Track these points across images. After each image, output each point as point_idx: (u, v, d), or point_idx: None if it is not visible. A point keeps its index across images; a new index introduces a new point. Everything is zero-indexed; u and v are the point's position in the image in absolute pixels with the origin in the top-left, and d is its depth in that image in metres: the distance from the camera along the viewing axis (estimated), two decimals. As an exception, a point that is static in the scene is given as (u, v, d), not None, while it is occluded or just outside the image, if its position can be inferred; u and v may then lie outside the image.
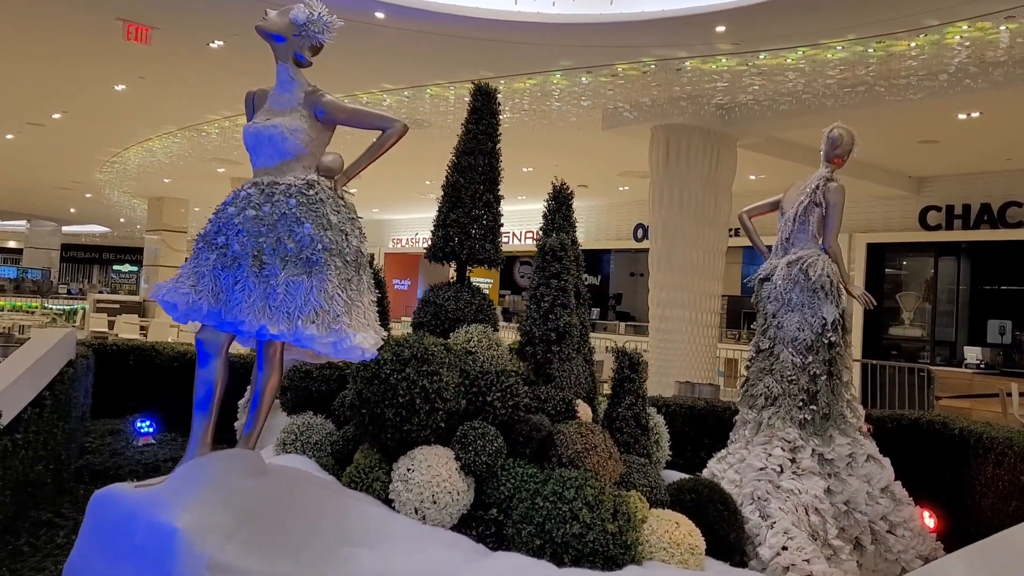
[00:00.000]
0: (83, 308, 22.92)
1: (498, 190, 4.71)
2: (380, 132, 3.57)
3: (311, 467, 4.03)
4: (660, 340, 10.75)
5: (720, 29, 7.77)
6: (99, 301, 23.74)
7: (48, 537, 4.78)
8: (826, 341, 4.77)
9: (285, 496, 3.34)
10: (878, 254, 16.42)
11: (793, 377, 4.76)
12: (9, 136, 16.78)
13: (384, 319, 4.93)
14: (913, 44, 8.16)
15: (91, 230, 37.90)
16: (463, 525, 3.79)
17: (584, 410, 4.34)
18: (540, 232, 4.92)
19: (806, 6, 7.22)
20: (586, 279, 18.15)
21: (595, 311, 21.04)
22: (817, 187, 4.93)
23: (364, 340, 3.27)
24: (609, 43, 8.59)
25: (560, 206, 4.93)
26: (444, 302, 4.54)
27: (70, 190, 24.34)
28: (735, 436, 5.00)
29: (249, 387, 4.33)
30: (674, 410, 6.51)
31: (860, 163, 13.61)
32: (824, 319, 4.77)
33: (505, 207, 19.38)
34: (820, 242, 4.94)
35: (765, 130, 11.03)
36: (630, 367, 4.43)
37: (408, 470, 3.75)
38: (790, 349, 4.82)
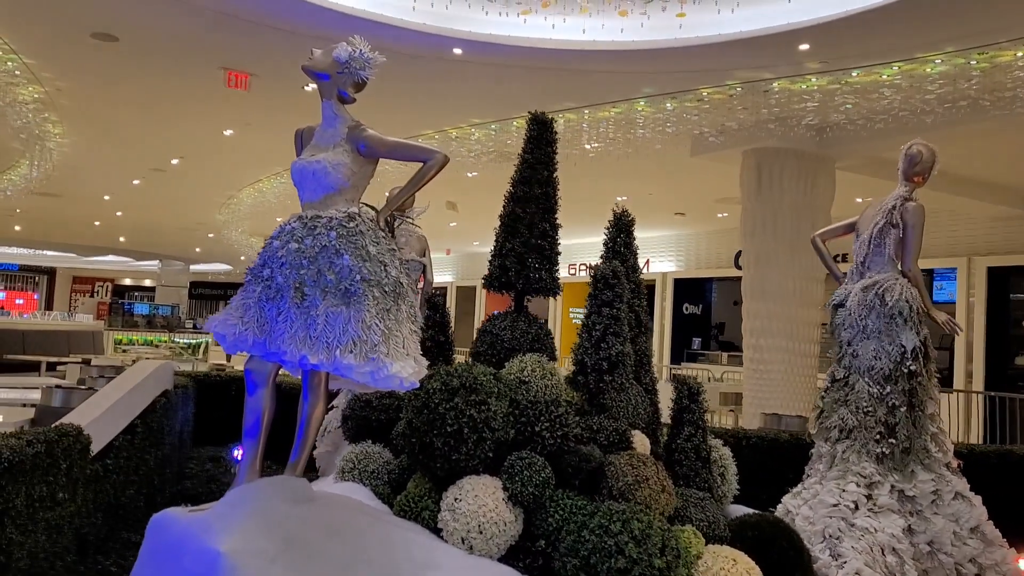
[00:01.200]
0: (206, 342, 24.11)
1: (555, 219, 4.70)
2: (421, 164, 3.63)
3: (365, 495, 4.08)
4: (754, 371, 10.41)
5: (804, 47, 7.55)
6: (211, 334, 24.88)
7: (136, 558, 5.01)
8: (906, 370, 4.51)
9: (330, 523, 3.39)
10: (1001, 278, 15.45)
11: (870, 408, 4.52)
12: (136, 182, 17.93)
13: (447, 351, 4.98)
14: (1020, 54, 7.71)
15: (216, 268, 39.94)
16: (511, 556, 3.75)
17: (641, 441, 4.24)
18: (601, 260, 4.86)
19: (891, 20, 6.94)
20: (687, 308, 17.76)
21: (696, 341, 20.60)
22: (894, 207, 4.71)
23: (402, 369, 3.30)
24: (689, 67, 8.49)
25: (619, 232, 4.88)
26: (500, 332, 4.55)
27: (194, 231, 25.74)
28: (810, 470, 4.78)
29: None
30: (755, 443, 6.30)
31: (976, 182, 12.91)
32: (903, 347, 4.52)
33: (596, 237, 19.20)
34: (899, 266, 4.69)
35: (864, 151, 10.60)
36: (689, 397, 4.30)
37: (456, 500, 3.75)
38: (866, 379, 4.58)
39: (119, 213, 23.57)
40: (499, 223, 4.72)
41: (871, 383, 4.54)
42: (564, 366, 17.07)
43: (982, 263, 15.20)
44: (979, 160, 11.66)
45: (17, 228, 28.35)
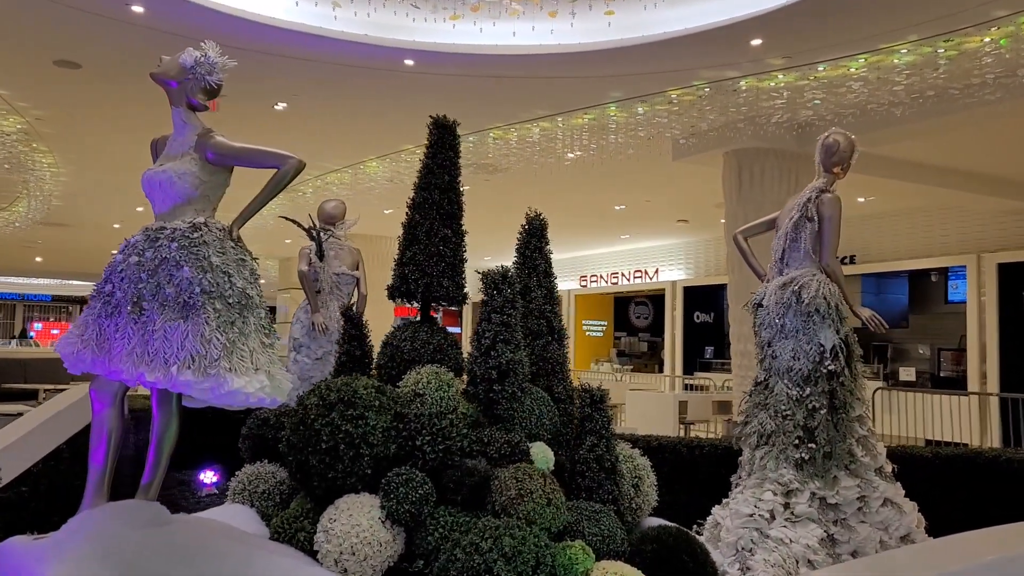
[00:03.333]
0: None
1: (458, 225, 4.54)
2: (275, 170, 3.50)
3: (250, 517, 3.94)
4: (743, 378, 10.11)
5: (756, 42, 7.34)
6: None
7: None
8: (825, 371, 4.26)
9: (180, 548, 3.24)
10: (1013, 275, 14.93)
11: (788, 412, 4.28)
12: (140, 209, 18.07)
13: (365, 365, 4.81)
14: (987, 39, 7.42)
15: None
16: (389, 578, 3.58)
17: (542, 453, 4.05)
18: (514, 266, 4.69)
19: (844, 8, 6.71)
20: (698, 317, 17.47)
21: (709, 350, 20.23)
22: (809, 199, 4.48)
23: (247, 384, 3.16)
24: (649, 68, 8.30)
25: (532, 237, 4.70)
26: (400, 343, 4.39)
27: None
28: (736, 479, 4.54)
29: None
30: (708, 451, 6.07)
31: (980, 176, 12.51)
32: (822, 346, 4.28)
33: (610, 247, 19.37)
34: (818, 261, 4.46)
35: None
36: (591, 404, 4.10)
37: (331, 520, 3.59)
38: (785, 380, 4.35)
39: (133, 241, 23.82)
40: (401, 231, 4.57)
41: (790, 385, 4.30)
42: (577, 381, 16.77)
43: (992, 260, 14.71)
44: (982, 153, 11.30)
45: (38, 259, 28.84)
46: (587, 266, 23.28)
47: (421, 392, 4.11)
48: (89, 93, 9.52)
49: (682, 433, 11.23)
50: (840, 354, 4.28)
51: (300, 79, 8.98)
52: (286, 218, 5.76)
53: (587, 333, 24.52)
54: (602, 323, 24.97)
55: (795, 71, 8.34)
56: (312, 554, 3.62)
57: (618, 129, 10.03)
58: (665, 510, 5.21)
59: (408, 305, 4.57)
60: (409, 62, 7.95)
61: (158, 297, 3.17)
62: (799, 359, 4.30)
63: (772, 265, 4.63)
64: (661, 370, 20.96)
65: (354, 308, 5.41)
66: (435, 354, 4.37)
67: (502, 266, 4.12)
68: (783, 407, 4.30)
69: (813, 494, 4.14)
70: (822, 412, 4.23)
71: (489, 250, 23.39)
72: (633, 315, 24.97)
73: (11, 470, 4.95)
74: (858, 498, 4.19)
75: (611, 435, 4.13)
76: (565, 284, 24.12)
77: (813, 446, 4.20)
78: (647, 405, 11.76)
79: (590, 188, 14.22)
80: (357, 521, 3.54)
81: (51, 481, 5.34)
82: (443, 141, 4.57)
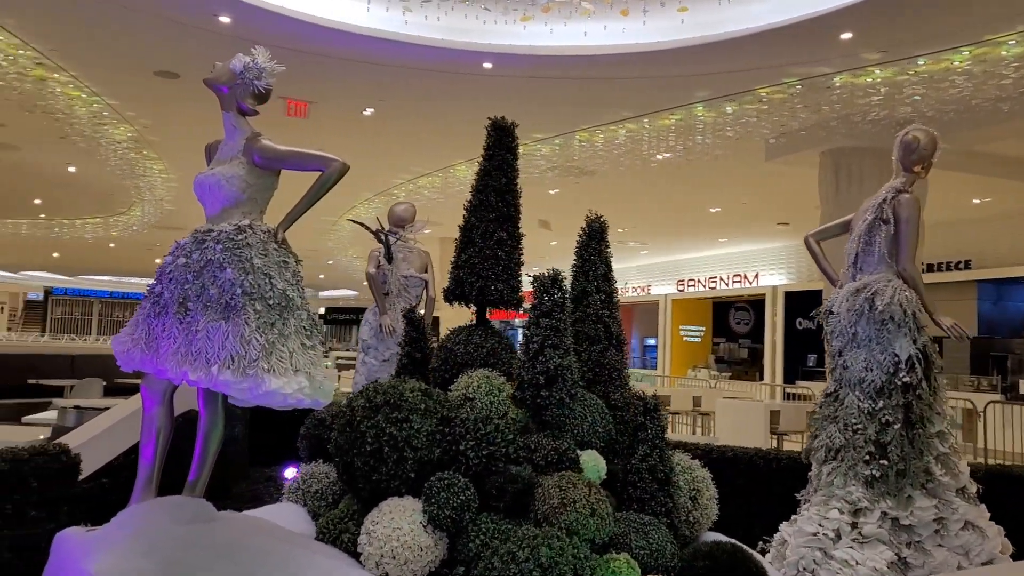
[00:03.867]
0: (327, 366, 25.00)
1: (515, 228, 4.46)
2: (319, 173, 3.51)
3: (300, 516, 3.98)
4: (836, 386, 9.66)
5: (846, 36, 7.00)
6: (340, 358, 25.85)
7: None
8: (899, 383, 3.99)
9: (222, 545, 3.29)
10: None
11: (859, 426, 4.03)
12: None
13: (424, 367, 4.81)
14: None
15: (345, 294, 41.37)
16: (430, 583, 3.54)
17: (593, 461, 3.94)
18: (573, 268, 4.59)
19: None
20: (800, 323, 16.90)
21: (812, 358, 19.49)
22: (885, 200, 4.21)
23: (285, 385, 3.18)
24: (734, 66, 8.04)
25: (591, 239, 4.58)
26: (454, 346, 4.35)
27: (311, 258, 26.75)
28: (802, 495, 4.31)
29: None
30: (786, 464, 5.80)
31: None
32: (896, 356, 4.01)
33: (707, 251, 19.01)
34: (893, 266, 4.19)
35: (956, 144, 9.73)
36: (644, 413, 3.96)
37: (373, 523, 3.58)
38: (856, 392, 4.09)
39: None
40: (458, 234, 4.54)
41: (861, 397, 4.05)
42: (675, 387, 16.49)
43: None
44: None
45: (158, 261, 30.32)
46: (684, 270, 22.84)
47: (471, 396, 4.06)
48: (188, 101, 9.93)
49: (774, 444, 10.82)
50: (917, 365, 4.00)
51: (384, 84, 9.12)
52: (355, 221, 5.83)
53: (684, 338, 24.04)
54: (700, 328, 24.44)
55: (892, 66, 7.94)
56: (356, 556, 3.61)
57: (706, 129, 9.78)
58: (736, 525, 5.01)
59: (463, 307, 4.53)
60: (487, 65, 7.96)
61: (202, 298, 3.22)
62: (872, 370, 4.04)
63: (845, 270, 4.38)
64: (762, 378, 20.35)
65: (419, 311, 5.41)
66: (488, 358, 4.31)
67: (552, 269, 4.03)
68: (853, 420, 4.05)
69: (884, 514, 3.88)
70: (896, 427, 3.96)
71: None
72: (733, 320, 24.35)
73: (94, 462, 5.16)
74: (935, 520, 3.90)
75: (666, 445, 3.98)
76: (662, 288, 23.73)
77: (885, 463, 3.93)
78: (738, 414, 11.39)
79: (682, 190, 13.94)
80: (398, 525, 3.51)
81: (131, 473, 5.52)
82: (500, 142, 4.51)
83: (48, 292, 44.17)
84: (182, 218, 19.32)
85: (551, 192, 14.20)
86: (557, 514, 3.50)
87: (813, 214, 15.98)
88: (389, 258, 5.79)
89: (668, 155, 11.18)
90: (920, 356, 4.01)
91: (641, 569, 3.54)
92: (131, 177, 14.34)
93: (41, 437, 5.82)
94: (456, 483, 3.57)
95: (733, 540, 4.00)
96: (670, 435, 13.73)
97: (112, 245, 24.43)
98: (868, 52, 7.57)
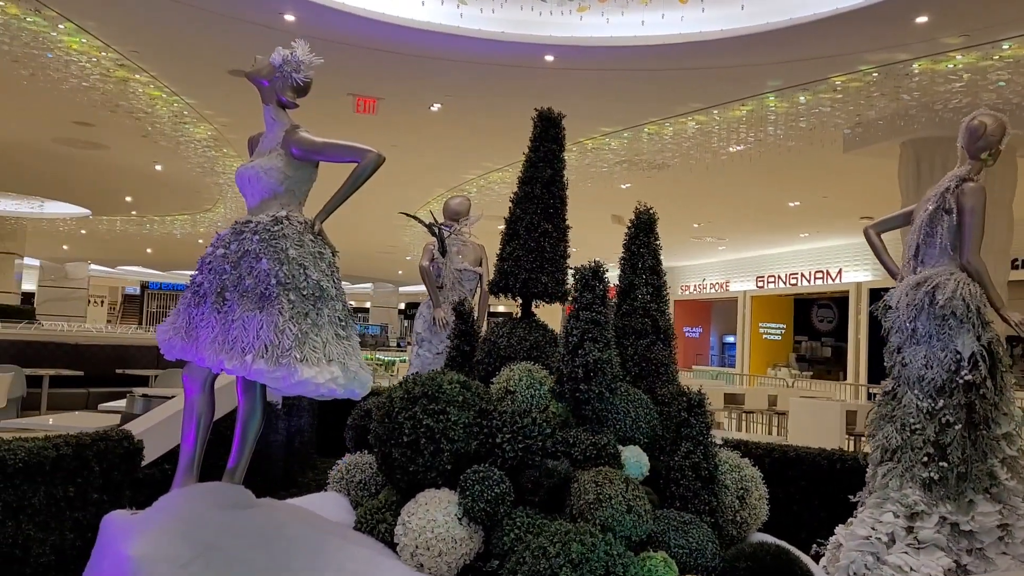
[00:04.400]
0: (398, 359, 25.36)
1: (560, 220, 4.40)
2: (355, 164, 3.53)
3: (342, 506, 4.02)
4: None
5: (922, 19, 6.68)
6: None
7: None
8: (961, 381, 3.78)
9: (258, 531, 3.34)
10: None
11: (918, 426, 3.83)
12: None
13: (473, 360, 4.80)
14: None
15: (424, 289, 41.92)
16: (465, 575, 3.53)
17: (635, 456, 3.86)
18: (621, 261, 4.51)
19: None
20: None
21: (897, 356, 18.75)
22: (948, 189, 4.00)
23: (317, 375, 3.20)
24: (804, 54, 7.78)
25: (639, 232, 4.49)
26: (497, 339, 4.32)
27: (391, 253, 27.16)
28: (860, 497, 4.13)
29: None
30: (851, 466, 5.58)
31: None
32: (958, 353, 3.80)
33: (788, 247, 18.43)
34: (957, 258, 3.97)
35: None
36: (687, 409, 3.86)
37: (409, 514, 3.58)
38: (915, 391, 3.89)
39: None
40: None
41: (920, 396, 3.85)
42: (754, 386, 16.13)
43: None
44: None
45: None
46: (764, 266, 22.30)
47: (512, 389, 4.04)
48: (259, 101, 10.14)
49: (850, 446, 10.47)
50: (981, 363, 3.78)
51: (449, 80, 9.15)
52: (406, 214, 5.86)
53: (764, 336, 23.49)
54: (780, 326, 23.84)
55: (975, 50, 7.55)
56: (393, 546, 3.63)
57: (778, 120, 9.50)
58: (798, 528, 4.84)
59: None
60: (549, 58, 7.89)
61: (239, 288, 3.27)
62: (932, 367, 3.84)
63: (905, 263, 4.18)
64: (845, 378, 19.72)
65: (467, 303, 5.37)
66: (531, 351, 4.27)
67: (594, 261, 3.96)
68: (912, 420, 3.85)
69: (943, 519, 3.69)
70: (957, 427, 3.75)
71: (663, 249, 22.94)
72: (816, 318, 23.67)
73: (157, 448, 5.32)
74: (999, 526, 3.68)
75: (710, 442, 3.86)
76: (740, 285, 23.24)
77: (944, 465, 3.73)
78: (813, 414, 11.04)
79: (758, 184, 13.60)
80: (433, 516, 3.51)
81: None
82: (546, 134, 4.46)
83: (144, 286, 46.05)
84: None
85: (623, 187, 14.04)
86: (592, 510, 3.44)
87: (897, 208, 15.46)
88: (443, 251, 5.80)
89: (740, 147, 10.91)
90: (985, 353, 3.79)
91: (680, 568, 3.45)
92: (212, 175, 14.78)
93: (110, 424, 6.03)
94: (491, 476, 3.54)
95: (780, 542, 3.87)
96: (742, 434, 13.44)
97: (200, 241, 25.29)
98: (947, 36, 7.21)
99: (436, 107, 10.20)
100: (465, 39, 7.88)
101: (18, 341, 13.27)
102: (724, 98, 9.30)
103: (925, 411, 3.82)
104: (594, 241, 13.46)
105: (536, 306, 4.58)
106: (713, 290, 24.41)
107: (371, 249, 26.59)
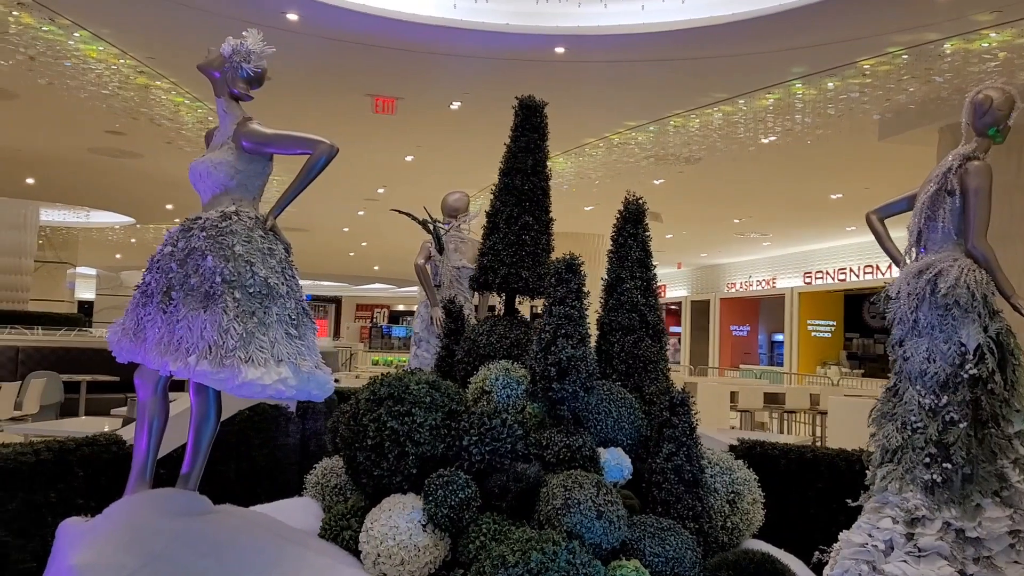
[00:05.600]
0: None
1: (542, 212, 4.22)
2: (307, 156, 3.39)
3: (313, 512, 3.89)
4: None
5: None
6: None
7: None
8: (966, 376, 3.49)
9: (210, 540, 3.22)
10: None
11: (919, 424, 3.54)
12: (360, 212, 19.24)
13: None
14: None
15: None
16: (429, 585, 3.37)
17: (616, 459, 3.65)
18: (609, 255, 4.30)
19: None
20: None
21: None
22: (950, 168, 3.70)
23: (263, 376, 3.06)
24: (828, 37, 7.44)
25: (627, 223, 4.27)
26: (477, 337, 4.15)
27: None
28: (861, 501, 3.85)
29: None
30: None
31: None
32: (963, 345, 3.50)
33: (835, 241, 17.97)
34: (964, 243, 3.67)
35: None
36: (670, 408, 3.63)
37: (372, 520, 3.44)
38: (917, 387, 3.59)
39: (364, 243, 25.48)
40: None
41: (922, 392, 3.55)
42: (802, 384, 15.61)
43: None
44: None
45: (290, 262, 31.56)
46: (811, 262, 21.70)
47: (488, 389, 3.87)
48: (284, 102, 10.13)
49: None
50: (989, 356, 3.47)
51: (467, 77, 9.01)
52: (399, 211, 5.71)
53: (812, 333, 22.85)
54: (830, 323, 23.18)
55: (1009, 27, 7.14)
56: (357, 554, 3.48)
57: (805, 108, 9.14)
58: (810, 532, 4.57)
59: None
60: (559, 49, 7.69)
61: (185, 287, 3.16)
62: (934, 361, 3.54)
63: (907, 250, 3.88)
64: (897, 374, 19.02)
65: (457, 302, 5.20)
66: (512, 349, 4.09)
67: (569, 254, 3.75)
68: (913, 418, 3.56)
69: (947, 524, 3.39)
70: (961, 426, 3.45)
71: (704, 246, 22.50)
72: (868, 314, 22.96)
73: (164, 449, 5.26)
74: (1009, 532, 3.37)
75: (694, 443, 3.63)
76: (787, 281, 22.67)
77: (948, 466, 3.43)
78: (853, 413, 10.61)
79: (795, 176, 13.19)
80: (396, 523, 3.35)
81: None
82: (527, 123, 4.28)
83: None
84: (305, 218, 19.99)
85: (655, 183, 13.74)
86: (560, 516, 3.25)
87: (946, 198, 14.86)
88: (440, 249, 5.65)
89: (773, 139, 10.56)
90: (992, 345, 3.49)
91: (654, 578, 3.24)
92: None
93: (106, 428, 6.01)
94: (456, 480, 3.37)
95: (772, 549, 3.62)
96: (783, 435, 12.97)
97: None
98: (977, 13, 6.83)
99: (456, 105, 10.06)
100: (472, 32, 7.71)
101: (58, 348, 13.52)
102: (748, 87, 8.98)
103: (927, 408, 3.53)
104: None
105: (521, 302, 4.40)
106: (760, 287, 23.84)
107: (401, 250, 26.56)
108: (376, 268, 32.43)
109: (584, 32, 7.42)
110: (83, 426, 6.40)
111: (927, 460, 3.48)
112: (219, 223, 3.26)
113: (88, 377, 12.23)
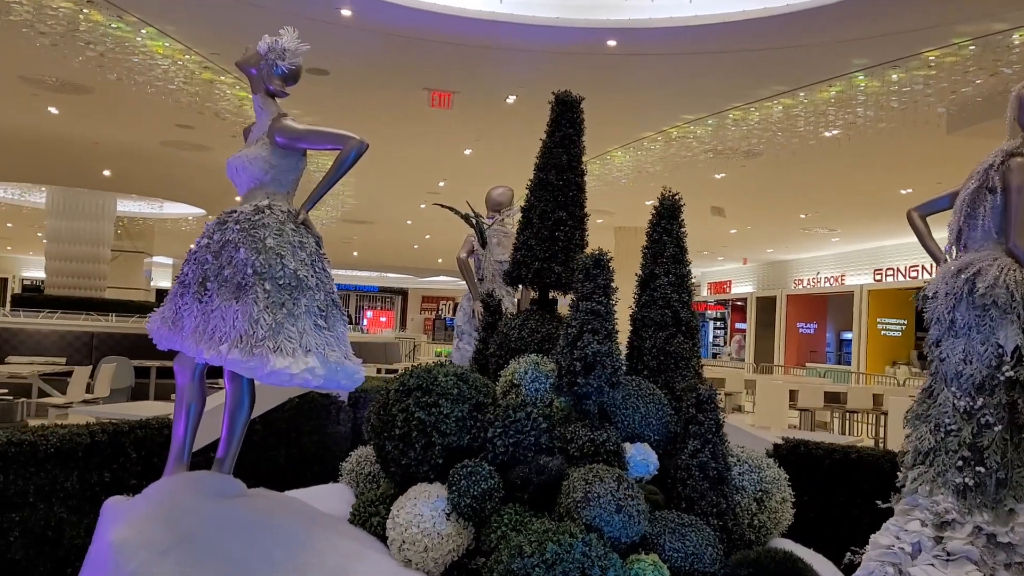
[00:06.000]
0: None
1: (576, 208, 4.23)
2: (338, 152, 3.48)
3: (346, 498, 4.00)
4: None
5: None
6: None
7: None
8: (1003, 378, 3.40)
9: (241, 522, 3.34)
10: None
11: (953, 426, 3.46)
12: (422, 206, 19.46)
13: None
14: None
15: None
16: (453, 572, 3.44)
17: (641, 454, 3.67)
18: (643, 250, 4.30)
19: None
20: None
21: None
22: (992, 165, 3.60)
23: (292, 365, 3.17)
24: (890, 28, 7.26)
25: (662, 218, 4.26)
26: (509, 331, 4.20)
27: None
28: (893, 503, 3.78)
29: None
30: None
31: None
32: (1000, 347, 3.41)
33: (906, 238, 17.57)
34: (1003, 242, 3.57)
35: None
36: (696, 405, 3.63)
37: (399, 507, 3.52)
38: (952, 388, 3.51)
39: (427, 236, 25.76)
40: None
41: (958, 394, 3.46)
42: (871, 384, 15.30)
43: None
44: None
45: (355, 254, 32.19)
46: (881, 259, 21.14)
47: (517, 383, 3.91)
48: (343, 96, 10.30)
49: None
50: (1028, 357, 3.38)
51: (521, 70, 9.05)
52: (442, 205, 5.78)
53: (882, 332, 22.26)
54: (901, 322, 22.54)
55: (1082, 15, 6.87)
56: (385, 540, 3.57)
57: (868, 101, 8.92)
58: (853, 533, 4.50)
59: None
60: (611, 43, 7.66)
61: (219, 278, 3.29)
62: (971, 362, 3.46)
63: (948, 248, 3.79)
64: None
65: (496, 295, 5.25)
66: (543, 343, 4.13)
67: (599, 249, 3.77)
68: (947, 420, 3.48)
69: (978, 528, 3.31)
70: (997, 429, 3.36)
71: (769, 241, 22.10)
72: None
73: (203, 437, 5.45)
74: (1044, 540, 3.29)
75: (720, 440, 3.62)
76: (856, 279, 22.13)
77: (982, 470, 3.35)
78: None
79: (862, 170, 12.87)
80: (420, 511, 3.43)
81: (243, 450, 5.81)
82: (563, 118, 4.30)
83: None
84: (372, 211, 20.32)
85: (716, 177, 13.57)
86: (579, 508, 3.28)
87: None
88: (483, 243, 5.71)
89: (835, 132, 10.33)
90: (1033, 347, 3.39)
91: (673, 573, 3.25)
92: (306, 174, 15.18)
93: (162, 412, 6.24)
94: (479, 471, 3.43)
95: (791, 549, 3.59)
96: (843, 435, 12.70)
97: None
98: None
99: (512, 99, 10.11)
100: (522, 27, 7.74)
101: (131, 334, 14.05)
102: (808, 79, 8.82)
103: (962, 410, 3.45)
104: (696, 236, 13.10)
105: (559, 296, 4.43)
106: (828, 284, 23.33)
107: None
108: (440, 261, 32.73)
109: (635, 25, 7.39)
110: (142, 409, 6.65)
111: (959, 463, 3.41)
112: (252, 216, 3.37)
113: (157, 363, 12.69)
